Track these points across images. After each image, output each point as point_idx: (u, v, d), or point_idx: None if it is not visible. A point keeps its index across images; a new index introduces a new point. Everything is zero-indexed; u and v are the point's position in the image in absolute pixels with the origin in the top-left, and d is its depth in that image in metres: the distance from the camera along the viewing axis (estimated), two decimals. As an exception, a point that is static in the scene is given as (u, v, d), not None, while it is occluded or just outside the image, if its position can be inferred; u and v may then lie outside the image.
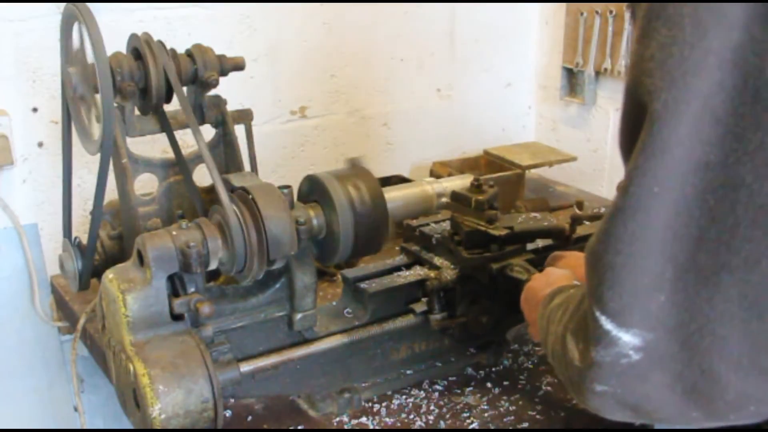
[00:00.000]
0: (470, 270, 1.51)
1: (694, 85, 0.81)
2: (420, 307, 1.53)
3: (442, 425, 1.45)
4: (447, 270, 1.53)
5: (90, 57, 1.41)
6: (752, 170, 0.81)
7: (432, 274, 1.55)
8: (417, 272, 1.58)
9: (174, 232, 1.31)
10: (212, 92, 1.58)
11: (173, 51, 1.51)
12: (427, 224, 1.63)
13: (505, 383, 1.56)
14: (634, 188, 0.84)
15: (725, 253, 0.82)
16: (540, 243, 1.57)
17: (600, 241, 0.88)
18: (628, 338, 0.86)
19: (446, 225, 1.60)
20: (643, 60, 0.84)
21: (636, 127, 0.85)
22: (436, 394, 1.54)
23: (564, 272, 1.31)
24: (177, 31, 2.04)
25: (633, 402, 0.90)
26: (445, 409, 1.49)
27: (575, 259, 1.39)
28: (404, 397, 1.53)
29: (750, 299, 0.82)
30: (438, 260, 1.57)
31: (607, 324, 0.87)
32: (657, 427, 1.06)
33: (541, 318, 1.13)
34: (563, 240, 1.56)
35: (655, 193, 0.83)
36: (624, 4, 2.34)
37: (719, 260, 0.83)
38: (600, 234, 0.88)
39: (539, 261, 1.47)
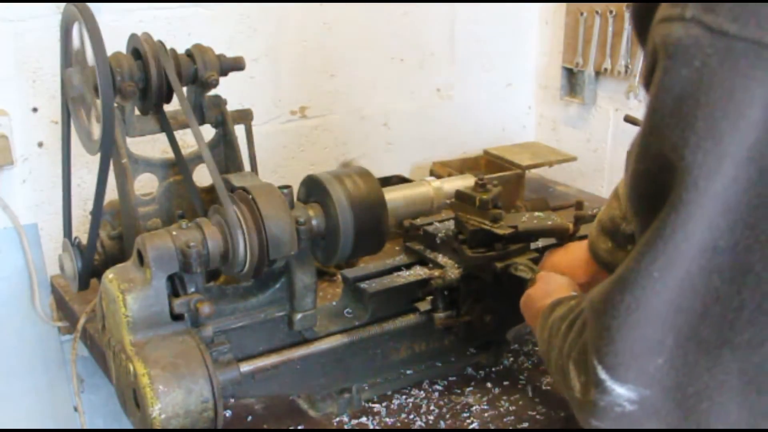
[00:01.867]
0: (474, 269, 1.51)
1: (708, 188, 0.80)
2: (424, 305, 1.53)
3: (442, 425, 1.45)
4: (451, 269, 1.53)
5: (90, 57, 1.41)
6: (762, 259, 0.81)
7: (435, 273, 1.55)
8: (417, 272, 1.58)
9: (174, 232, 1.31)
10: (212, 92, 1.58)
11: (173, 51, 1.51)
12: (431, 223, 1.63)
13: (505, 383, 1.56)
14: (634, 265, 0.84)
15: (728, 331, 0.83)
16: (541, 242, 1.58)
17: (601, 299, 0.88)
18: (622, 391, 0.87)
19: (450, 224, 1.60)
20: (658, 149, 0.83)
21: (649, 196, 0.85)
22: (436, 394, 1.54)
23: (563, 280, 1.31)
24: (177, 31, 2.04)
25: None
26: (445, 409, 1.49)
27: (569, 258, 1.39)
28: (404, 397, 1.53)
29: (750, 375, 0.83)
30: (442, 259, 1.57)
31: (602, 374, 0.87)
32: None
33: (542, 330, 1.13)
34: (567, 239, 1.56)
35: (655, 277, 0.83)
36: (624, 4, 2.34)
37: (722, 336, 0.83)
38: (602, 290, 0.89)
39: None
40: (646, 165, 0.86)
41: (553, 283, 1.30)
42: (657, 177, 0.84)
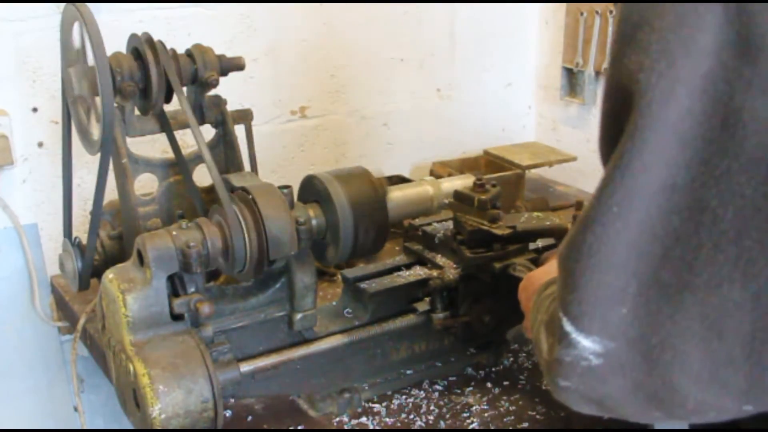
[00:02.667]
0: (473, 269, 1.51)
1: (661, 114, 0.81)
2: (423, 306, 1.53)
3: (442, 425, 1.45)
4: (450, 269, 1.53)
5: (90, 57, 1.41)
6: (717, 195, 0.81)
7: (434, 273, 1.55)
8: (417, 272, 1.58)
9: (174, 232, 1.31)
10: (212, 92, 1.58)
11: (173, 51, 1.51)
12: (430, 224, 1.63)
13: (505, 383, 1.56)
14: (596, 202, 0.85)
15: (688, 274, 0.83)
16: (540, 243, 1.58)
17: (565, 245, 0.88)
18: (587, 344, 0.86)
19: (449, 224, 1.60)
20: (617, 80, 0.85)
21: (613, 137, 0.86)
22: (436, 394, 1.54)
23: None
24: (177, 31, 2.04)
25: (596, 398, 0.91)
26: (445, 409, 1.49)
27: None
28: (404, 397, 1.53)
29: (711, 320, 0.83)
30: (441, 259, 1.57)
31: (567, 326, 0.87)
32: (656, 427, 1.06)
33: (534, 305, 1.13)
34: (565, 239, 1.57)
35: (614, 212, 0.83)
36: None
37: (682, 280, 0.83)
38: (567, 239, 0.89)
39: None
40: (609, 103, 0.88)
41: (555, 266, 1.30)
42: (618, 113, 0.85)
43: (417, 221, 1.64)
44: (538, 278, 1.25)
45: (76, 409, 2.02)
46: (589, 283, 0.85)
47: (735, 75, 0.79)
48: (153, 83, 1.46)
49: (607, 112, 0.89)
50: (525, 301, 1.32)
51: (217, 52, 1.55)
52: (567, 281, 0.87)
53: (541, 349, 0.97)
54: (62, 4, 1.46)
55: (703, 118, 0.80)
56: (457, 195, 1.56)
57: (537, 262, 1.47)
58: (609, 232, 0.84)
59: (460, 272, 1.52)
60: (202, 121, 1.59)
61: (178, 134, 1.57)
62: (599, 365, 0.87)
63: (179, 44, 1.55)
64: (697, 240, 0.82)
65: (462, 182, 1.64)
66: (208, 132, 1.57)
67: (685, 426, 1.01)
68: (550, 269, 1.28)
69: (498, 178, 2.19)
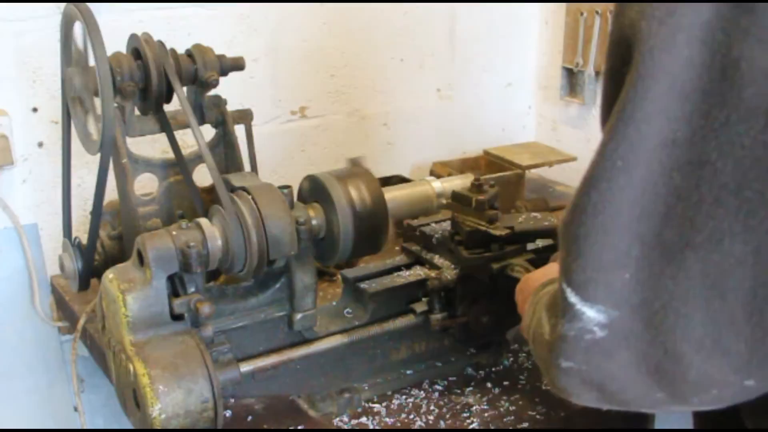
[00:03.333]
0: (471, 270, 1.51)
1: (662, 61, 0.81)
2: (420, 307, 1.53)
3: (442, 425, 1.45)
4: (447, 270, 1.53)
5: (90, 57, 1.41)
6: (717, 148, 0.80)
7: (432, 274, 1.55)
8: (417, 272, 1.58)
9: (174, 232, 1.31)
10: (212, 92, 1.58)
11: (173, 51, 1.51)
12: (428, 224, 1.63)
13: (505, 383, 1.56)
14: (599, 159, 0.85)
15: (689, 231, 0.82)
16: (540, 243, 1.58)
17: (569, 211, 0.88)
18: (592, 314, 0.86)
19: (447, 225, 1.60)
20: (619, 35, 0.85)
21: (614, 98, 0.86)
22: (436, 394, 1.54)
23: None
24: (177, 31, 2.04)
25: (598, 380, 0.90)
26: (445, 409, 1.49)
27: None
28: (404, 397, 1.53)
29: (712, 278, 0.82)
30: (438, 260, 1.57)
31: (572, 297, 0.87)
32: (655, 427, 1.07)
33: (530, 305, 1.13)
34: (564, 240, 1.56)
35: (618, 167, 0.83)
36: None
37: (684, 237, 0.82)
38: (570, 204, 0.89)
39: (540, 261, 1.47)
40: (611, 61, 0.88)
41: (553, 268, 1.30)
42: (620, 68, 0.85)
43: (415, 222, 1.64)
44: (536, 279, 1.25)
45: (76, 409, 2.02)
46: (593, 246, 0.85)
47: (733, 25, 0.79)
48: (153, 83, 1.46)
49: (609, 72, 0.89)
50: (521, 302, 1.31)
51: (217, 52, 1.55)
52: (571, 248, 0.87)
53: (542, 332, 0.95)
54: (62, 4, 1.46)
55: (702, 70, 0.80)
56: (455, 195, 1.56)
57: (537, 264, 1.47)
58: (613, 188, 0.83)
59: (458, 273, 1.52)
60: (202, 121, 1.59)
61: (178, 134, 1.57)
62: (604, 338, 0.86)
63: (179, 44, 1.55)
64: (698, 195, 0.82)
65: (462, 182, 1.63)
66: (208, 132, 1.57)
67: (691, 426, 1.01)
68: (548, 271, 1.28)
69: (498, 178, 2.19)
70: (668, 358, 0.85)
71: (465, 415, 1.47)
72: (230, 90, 1.63)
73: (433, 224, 1.62)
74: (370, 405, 1.50)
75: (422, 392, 1.54)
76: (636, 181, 0.83)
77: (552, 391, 1.02)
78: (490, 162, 2.42)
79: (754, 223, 0.80)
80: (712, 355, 0.84)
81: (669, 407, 0.91)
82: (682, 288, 0.83)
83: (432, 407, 1.49)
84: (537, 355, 1.01)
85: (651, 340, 0.85)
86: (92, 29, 1.37)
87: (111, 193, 1.56)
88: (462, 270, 1.52)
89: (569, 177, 2.60)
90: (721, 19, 0.80)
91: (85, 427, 2.01)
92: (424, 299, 1.53)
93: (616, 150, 0.83)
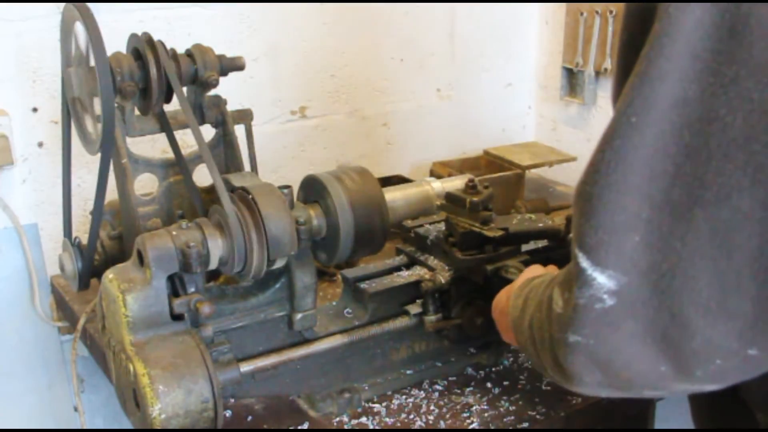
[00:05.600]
0: (465, 271, 1.51)
1: (677, 20, 0.82)
2: (414, 308, 1.53)
3: (442, 425, 1.45)
4: (442, 271, 1.53)
5: (90, 57, 1.41)
6: (726, 103, 0.82)
7: (427, 275, 1.54)
8: (417, 272, 1.58)
9: (174, 232, 1.31)
10: (212, 92, 1.58)
11: (173, 51, 1.51)
12: (422, 225, 1.62)
13: (505, 383, 1.56)
14: (615, 116, 0.86)
15: (698, 188, 0.83)
16: (540, 245, 1.58)
17: (584, 172, 0.89)
18: (603, 280, 0.86)
19: (441, 226, 1.60)
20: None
21: (629, 67, 0.87)
22: (436, 394, 1.54)
23: (547, 269, 1.32)
24: (177, 31, 2.04)
25: (604, 356, 0.90)
26: (445, 409, 1.49)
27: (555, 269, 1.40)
28: (404, 397, 1.53)
29: (720, 236, 0.83)
30: (433, 261, 1.56)
31: (583, 261, 0.87)
32: (654, 427, 1.06)
33: (517, 297, 1.13)
34: (558, 241, 1.56)
35: (632, 123, 0.84)
36: (624, 4, 2.34)
37: (693, 195, 0.83)
38: (587, 165, 0.90)
39: (534, 262, 1.47)
40: (627, 31, 0.90)
41: (534, 270, 1.31)
42: (637, 36, 0.87)
43: (410, 223, 1.63)
44: (505, 294, 1.27)
45: (76, 409, 2.02)
46: (606, 205, 0.86)
47: None
48: (153, 83, 1.46)
49: (625, 43, 0.90)
50: (499, 316, 1.32)
51: (217, 52, 1.55)
52: (584, 209, 0.87)
53: (553, 308, 0.95)
54: (62, 4, 1.46)
55: (712, 29, 0.82)
56: (449, 196, 1.56)
57: (528, 266, 1.47)
58: (627, 145, 0.85)
59: (452, 274, 1.52)
60: (202, 121, 1.59)
61: (178, 134, 1.57)
62: (612, 306, 0.87)
63: (179, 44, 1.55)
64: (707, 152, 0.83)
65: (461, 182, 1.63)
66: (208, 132, 1.57)
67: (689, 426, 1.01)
68: (527, 275, 1.29)
69: (498, 178, 2.19)
70: (674, 324, 0.85)
71: (465, 415, 1.47)
72: (230, 90, 1.63)
73: (428, 225, 1.62)
74: (370, 405, 1.50)
75: (422, 392, 1.54)
76: (648, 140, 0.84)
77: (554, 379, 1.02)
78: (489, 162, 2.42)
79: (762, 176, 0.81)
80: (718, 319, 0.84)
81: (672, 384, 0.91)
82: (690, 248, 0.84)
83: (432, 407, 1.49)
84: (538, 347, 1.01)
85: (658, 306, 0.85)
86: (92, 29, 1.37)
87: (111, 193, 1.56)
88: (456, 271, 1.52)
89: (569, 177, 2.60)
90: None
91: (85, 427, 2.01)
92: (418, 301, 1.53)
93: (630, 105, 0.85)
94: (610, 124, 0.87)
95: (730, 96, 0.81)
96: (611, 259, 0.86)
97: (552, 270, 1.33)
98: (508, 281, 1.42)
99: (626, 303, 0.86)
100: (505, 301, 1.28)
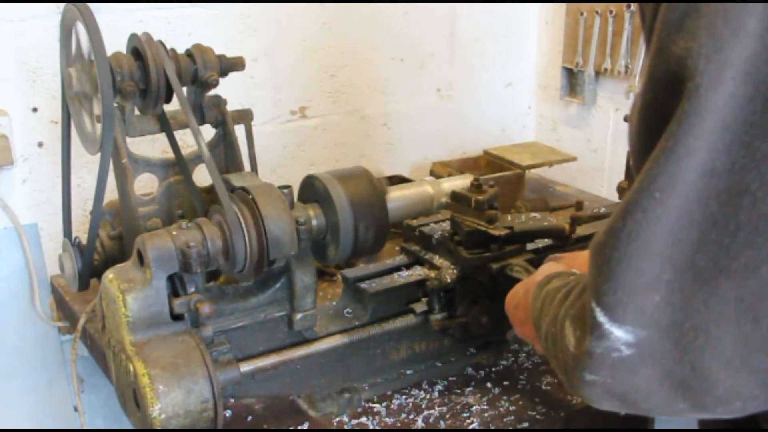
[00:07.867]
0: (470, 270, 1.51)
1: (708, 99, 0.81)
2: (420, 307, 1.53)
3: (442, 425, 1.45)
4: (447, 270, 1.53)
5: (90, 57, 1.41)
6: (758, 178, 0.81)
7: (432, 274, 1.54)
8: (417, 272, 1.58)
9: (174, 232, 1.31)
10: (212, 92, 1.58)
11: (173, 51, 1.51)
12: (427, 224, 1.63)
13: (505, 383, 1.56)
14: (638, 187, 0.85)
15: (724, 258, 0.83)
16: (541, 244, 1.57)
17: (604, 233, 0.89)
18: (620, 334, 0.86)
19: (446, 225, 1.60)
20: (665, 68, 0.85)
21: (653, 128, 0.86)
22: (436, 394, 1.54)
23: (556, 265, 1.31)
24: (177, 31, 2.04)
25: (621, 392, 0.91)
26: (445, 409, 1.49)
27: (572, 258, 1.39)
28: (404, 397, 1.53)
29: (746, 303, 0.83)
30: (438, 260, 1.57)
31: (600, 316, 0.87)
32: (654, 427, 1.07)
33: (536, 299, 1.12)
34: (563, 240, 1.56)
35: (656, 198, 0.83)
36: (624, 5, 2.34)
37: (718, 264, 0.83)
38: (606, 227, 0.89)
39: (539, 261, 1.47)
40: (652, 93, 0.87)
41: (544, 268, 1.30)
42: (663, 101, 0.85)
43: (414, 222, 1.63)
44: (530, 281, 1.25)
45: (76, 409, 2.02)
46: (626, 270, 0.85)
47: None
48: (153, 83, 1.46)
49: (648, 103, 0.89)
50: (513, 310, 1.31)
51: (217, 52, 1.55)
52: (602, 269, 0.87)
53: (566, 344, 0.95)
54: (62, 4, 1.46)
55: (744, 102, 0.81)
56: (454, 195, 1.56)
57: (537, 264, 1.47)
58: (649, 217, 0.84)
59: (457, 273, 1.52)
60: (202, 121, 1.59)
61: (178, 134, 1.57)
62: (630, 356, 0.87)
63: (179, 44, 1.55)
64: (735, 224, 0.82)
65: (461, 182, 1.64)
66: (208, 132, 1.57)
67: (692, 426, 1.01)
68: (541, 270, 1.28)
69: (498, 178, 2.19)
70: (695, 375, 0.86)
71: (465, 415, 1.47)
72: (230, 90, 1.63)
73: (433, 224, 1.62)
74: (370, 405, 1.50)
75: (422, 392, 1.54)
76: (672, 210, 0.83)
77: (569, 392, 1.02)
78: (489, 162, 2.42)
79: None
80: (741, 372, 0.85)
81: (691, 414, 0.92)
82: (714, 312, 0.83)
83: (432, 407, 1.49)
84: (556, 360, 1.01)
85: (678, 358, 0.85)
86: (92, 29, 1.37)
87: (111, 193, 1.56)
88: (461, 270, 1.52)
89: (569, 177, 2.60)
90: (765, 52, 0.80)
91: (85, 427, 2.01)
92: (423, 299, 1.53)
93: (655, 181, 0.83)
94: (633, 196, 0.85)
95: (763, 171, 0.81)
96: (630, 317, 0.86)
97: (568, 263, 1.34)
98: (514, 279, 1.42)
99: (644, 353, 0.86)
100: (522, 294, 1.28)
